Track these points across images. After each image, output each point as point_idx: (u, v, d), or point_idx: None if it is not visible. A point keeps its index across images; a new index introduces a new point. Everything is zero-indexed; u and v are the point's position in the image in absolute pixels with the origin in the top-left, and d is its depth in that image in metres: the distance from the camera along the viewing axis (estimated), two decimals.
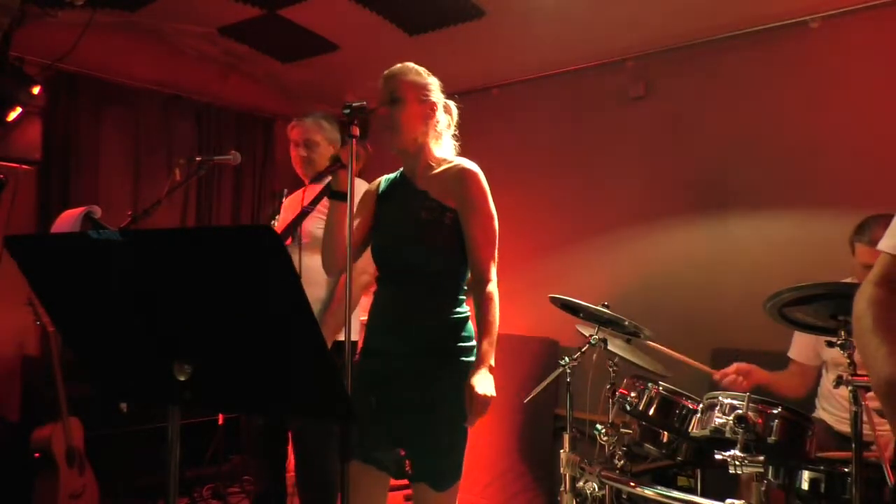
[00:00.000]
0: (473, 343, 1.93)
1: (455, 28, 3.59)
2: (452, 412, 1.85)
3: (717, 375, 2.49)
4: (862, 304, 0.96)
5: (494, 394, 1.77)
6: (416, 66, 1.99)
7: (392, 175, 2.09)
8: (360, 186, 2.37)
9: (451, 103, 2.05)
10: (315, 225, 2.67)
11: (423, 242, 1.88)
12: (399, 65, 1.98)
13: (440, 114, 1.99)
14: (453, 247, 1.91)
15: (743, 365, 2.48)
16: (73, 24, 3.28)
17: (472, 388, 1.75)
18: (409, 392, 1.86)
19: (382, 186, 2.08)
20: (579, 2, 3.27)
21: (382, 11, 3.55)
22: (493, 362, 1.81)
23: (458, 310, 1.94)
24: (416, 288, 1.88)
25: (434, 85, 1.99)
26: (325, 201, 2.74)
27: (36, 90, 3.37)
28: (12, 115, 3.38)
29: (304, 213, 2.75)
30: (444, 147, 2.02)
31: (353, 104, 1.77)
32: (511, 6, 3.37)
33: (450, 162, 1.97)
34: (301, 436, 2.71)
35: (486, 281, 1.89)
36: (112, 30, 3.76)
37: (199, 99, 4.53)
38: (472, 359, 1.90)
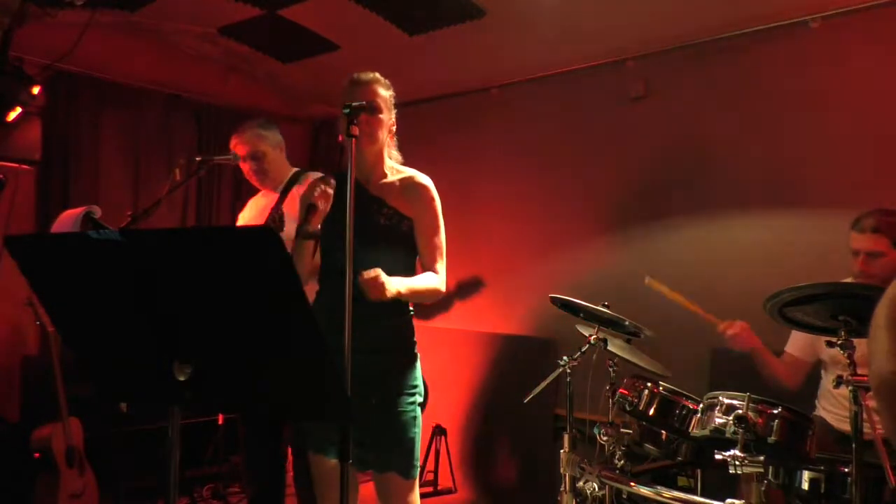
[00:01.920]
0: (416, 340, 2.11)
1: (455, 28, 3.59)
2: (411, 405, 2.01)
3: (722, 326, 2.56)
4: (884, 301, 0.95)
5: (387, 289, 1.84)
6: (381, 77, 2.10)
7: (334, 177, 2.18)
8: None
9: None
10: (288, 226, 2.69)
11: (383, 246, 2.01)
12: (371, 74, 2.08)
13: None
14: (408, 251, 2.08)
15: (746, 323, 2.53)
16: (73, 24, 3.28)
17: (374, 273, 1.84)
18: (370, 389, 1.94)
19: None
20: (579, 2, 3.27)
21: (382, 11, 3.55)
22: (402, 290, 1.92)
23: (408, 309, 2.10)
24: None
25: (393, 97, 2.12)
26: (290, 197, 2.79)
27: (36, 90, 3.37)
28: (12, 115, 3.38)
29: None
30: (393, 156, 2.16)
31: (353, 104, 1.81)
32: (511, 6, 3.37)
33: (402, 172, 2.12)
34: (300, 431, 2.72)
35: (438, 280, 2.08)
36: (112, 30, 3.76)
37: (199, 99, 4.53)
38: (417, 353, 2.10)
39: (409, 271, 2.10)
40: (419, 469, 2.07)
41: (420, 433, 2.07)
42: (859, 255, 2.42)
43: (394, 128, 2.12)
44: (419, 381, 2.08)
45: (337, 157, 1.98)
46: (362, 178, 2.09)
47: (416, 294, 2.01)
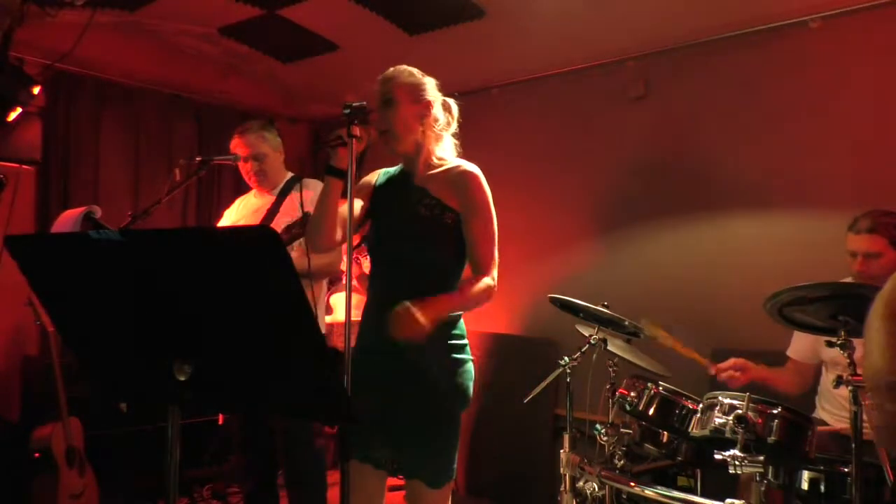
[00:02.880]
0: (465, 341, 1.96)
1: (455, 28, 3.59)
2: (446, 410, 1.90)
3: (713, 370, 2.49)
4: (879, 299, 0.94)
5: (424, 322, 1.67)
6: (410, 68, 1.99)
7: (391, 169, 2.10)
8: (317, 186, 2.42)
9: (451, 101, 2.05)
10: (285, 223, 2.69)
11: (422, 239, 1.90)
12: (392, 68, 1.98)
13: (438, 112, 1.99)
14: (450, 245, 1.92)
15: (739, 360, 2.48)
16: (73, 24, 3.28)
17: (405, 305, 1.69)
18: (404, 390, 1.87)
19: (380, 179, 2.09)
20: (579, 2, 3.27)
21: (382, 11, 3.55)
22: (445, 310, 1.80)
23: None
24: (412, 284, 1.87)
25: (429, 84, 1.99)
26: (289, 199, 2.78)
27: (36, 90, 3.36)
28: (12, 115, 3.38)
29: (271, 214, 2.79)
30: (444, 147, 2.03)
31: (353, 104, 1.79)
32: (511, 6, 3.36)
33: (450, 162, 1.99)
34: (283, 430, 2.72)
35: (486, 275, 1.90)
36: (112, 30, 3.76)
37: (199, 99, 4.53)
38: (465, 356, 1.94)
39: (459, 268, 1.97)
40: (452, 479, 1.91)
41: (457, 443, 1.92)
42: (857, 256, 2.41)
43: (431, 112, 1.97)
44: (464, 388, 1.91)
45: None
46: (410, 171, 2.01)
47: (465, 306, 1.89)
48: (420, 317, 1.67)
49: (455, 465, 1.94)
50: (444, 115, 2.01)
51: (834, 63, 3.07)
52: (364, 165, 2.13)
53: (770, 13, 3.13)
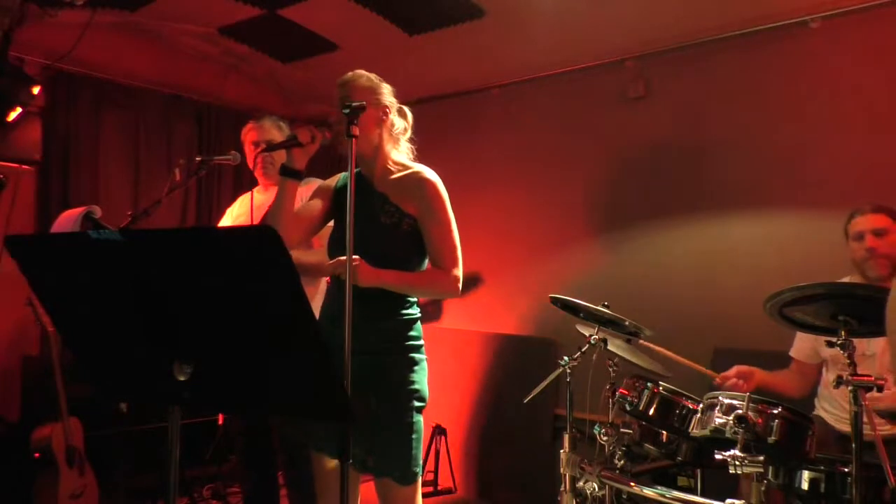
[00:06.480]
0: (422, 342, 2.02)
1: (455, 28, 3.59)
2: (406, 408, 1.93)
3: (718, 379, 2.49)
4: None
5: (359, 280, 1.79)
6: (367, 73, 2.04)
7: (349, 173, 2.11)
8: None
9: (406, 109, 2.10)
10: None
11: (382, 246, 1.94)
12: (350, 73, 2.02)
13: (395, 118, 2.05)
14: (409, 251, 1.98)
15: (744, 368, 2.48)
16: (73, 24, 3.29)
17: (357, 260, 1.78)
18: (364, 390, 1.89)
19: (340, 182, 2.12)
20: (579, 2, 3.27)
21: (382, 11, 3.55)
22: (384, 279, 1.87)
23: (408, 311, 2.00)
24: (370, 288, 1.89)
25: (385, 89, 2.04)
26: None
27: (36, 90, 3.37)
28: (12, 115, 3.38)
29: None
30: (401, 151, 2.08)
31: (353, 104, 1.80)
32: (511, 6, 3.37)
33: (409, 168, 2.03)
34: (284, 433, 2.72)
35: (448, 270, 1.98)
36: (112, 30, 3.76)
37: (199, 99, 4.52)
38: (421, 356, 1.99)
39: (419, 270, 2.03)
40: (419, 475, 1.97)
41: (420, 439, 1.97)
42: (864, 237, 2.40)
43: (389, 117, 2.02)
44: (420, 386, 1.97)
45: (335, 155, 1.94)
46: (367, 175, 2.04)
47: (413, 287, 1.96)
48: (360, 274, 1.78)
49: (421, 461, 1.98)
50: (399, 120, 2.06)
51: (834, 63, 3.07)
52: (340, 165, 2.15)
53: (770, 13, 3.13)
